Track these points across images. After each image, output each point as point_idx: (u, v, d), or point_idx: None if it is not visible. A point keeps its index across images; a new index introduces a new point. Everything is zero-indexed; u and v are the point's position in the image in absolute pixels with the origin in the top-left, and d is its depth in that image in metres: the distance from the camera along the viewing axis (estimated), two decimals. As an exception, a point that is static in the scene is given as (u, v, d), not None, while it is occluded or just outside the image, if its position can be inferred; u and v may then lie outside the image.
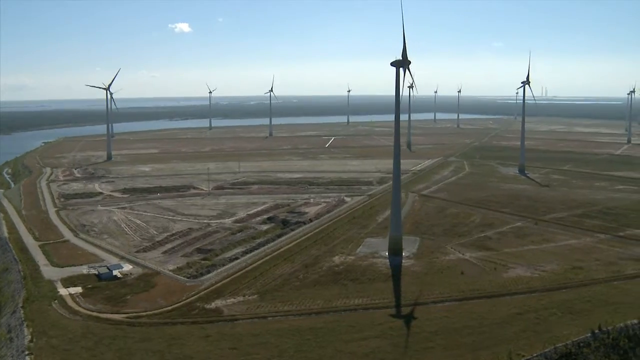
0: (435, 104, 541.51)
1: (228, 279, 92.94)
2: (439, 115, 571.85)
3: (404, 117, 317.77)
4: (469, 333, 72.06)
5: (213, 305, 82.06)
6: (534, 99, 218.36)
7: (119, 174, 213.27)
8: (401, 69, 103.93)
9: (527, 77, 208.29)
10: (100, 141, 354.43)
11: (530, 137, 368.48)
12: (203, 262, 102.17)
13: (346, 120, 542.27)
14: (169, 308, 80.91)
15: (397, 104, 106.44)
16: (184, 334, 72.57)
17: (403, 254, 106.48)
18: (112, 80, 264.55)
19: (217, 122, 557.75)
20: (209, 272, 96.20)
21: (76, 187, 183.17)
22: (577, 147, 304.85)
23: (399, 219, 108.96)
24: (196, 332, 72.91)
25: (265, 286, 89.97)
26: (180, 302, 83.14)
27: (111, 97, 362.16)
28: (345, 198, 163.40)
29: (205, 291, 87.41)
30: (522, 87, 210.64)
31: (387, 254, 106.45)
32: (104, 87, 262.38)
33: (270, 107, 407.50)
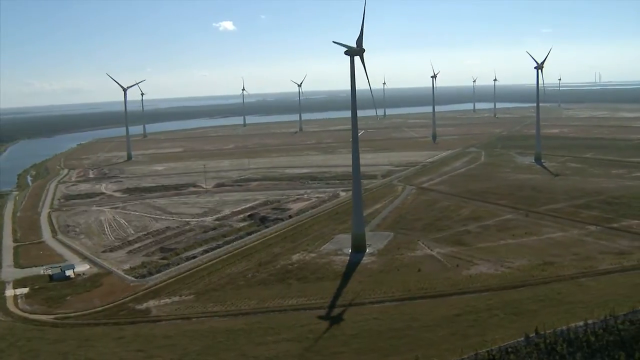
0: (475, 94, 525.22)
1: (173, 279, 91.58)
2: (484, 105, 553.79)
3: (426, 109, 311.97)
4: (391, 336, 67.34)
5: (144, 306, 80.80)
6: (544, 86, 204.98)
7: (132, 173, 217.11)
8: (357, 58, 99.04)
9: (542, 63, 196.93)
10: (132, 142, 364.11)
11: (565, 125, 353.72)
12: (161, 261, 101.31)
13: (383, 113, 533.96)
14: (100, 309, 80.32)
15: (353, 96, 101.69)
16: (99, 335, 71.59)
17: (367, 250, 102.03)
18: (133, 85, 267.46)
19: (257, 119, 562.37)
20: (159, 271, 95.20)
21: (83, 187, 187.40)
22: (611, 133, 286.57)
23: (361, 216, 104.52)
24: (113, 334, 71.74)
25: (208, 286, 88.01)
26: (114, 302, 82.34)
27: (141, 97, 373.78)
28: (340, 193, 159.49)
29: (144, 291, 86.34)
30: (537, 73, 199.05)
31: (350, 250, 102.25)
32: (124, 87, 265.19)
33: (299, 103, 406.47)
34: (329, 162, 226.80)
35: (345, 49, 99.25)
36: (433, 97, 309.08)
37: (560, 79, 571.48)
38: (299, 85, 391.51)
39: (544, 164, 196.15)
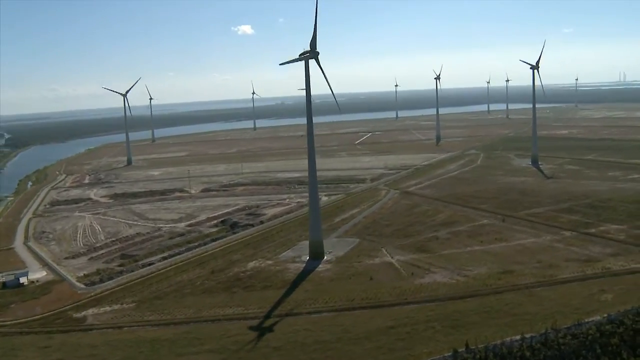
0: (489, 95, 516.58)
1: (122, 287, 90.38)
2: (501, 106, 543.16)
3: (434, 110, 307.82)
4: (315, 349, 64.78)
5: (82, 314, 79.73)
6: (542, 85, 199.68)
7: (126, 178, 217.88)
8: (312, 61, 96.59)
9: (537, 62, 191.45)
10: (138, 146, 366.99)
11: (576, 125, 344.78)
12: (117, 268, 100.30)
13: (395, 115, 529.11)
14: (38, 317, 79.37)
15: (308, 100, 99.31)
16: (27, 344, 70.71)
17: (325, 257, 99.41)
18: (131, 87, 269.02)
19: (270, 122, 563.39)
20: (111, 278, 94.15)
21: (74, 193, 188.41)
22: (620, 134, 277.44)
23: (319, 223, 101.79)
24: (40, 343, 70.80)
25: (153, 294, 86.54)
26: (55, 310, 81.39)
27: (150, 103, 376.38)
28: (323, 197, 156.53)
29: (88, 299, 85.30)
30: (532, 72, 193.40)
31: (308, 258, 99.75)
32: (122, 93, 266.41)
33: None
34: (323, 165, 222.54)
35: (300, 54, 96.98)
36: (437, 98, 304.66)
37: (577, 79, 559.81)
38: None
39: (540, 166, 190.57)
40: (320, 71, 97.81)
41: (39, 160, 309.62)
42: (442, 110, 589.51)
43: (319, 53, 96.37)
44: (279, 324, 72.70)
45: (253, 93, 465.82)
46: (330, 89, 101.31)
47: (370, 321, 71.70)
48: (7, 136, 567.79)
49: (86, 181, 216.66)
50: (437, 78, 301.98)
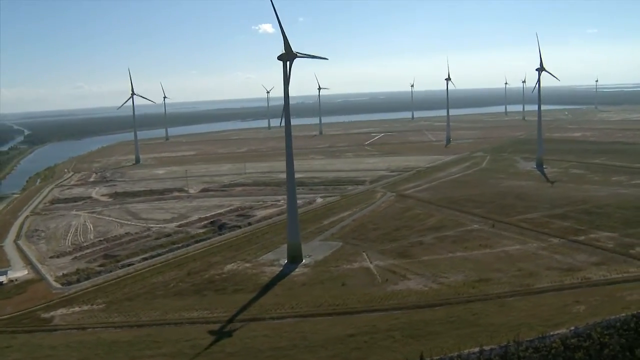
0: (506, 97, 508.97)
1: (96, 287, 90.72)
2: (517, 108, 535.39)
3: (452, 111, 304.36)
4: (268, 356, 63.91)
5: (50, 314, 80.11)
6: (536, 86, 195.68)
7: (130, 177, 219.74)
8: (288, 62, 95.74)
9: (541, 64, 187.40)
10: (151, 145, 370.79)
11: (592, 128, 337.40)
12: (97, 268, 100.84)
13: (411, 116, 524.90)
14: (7, 317, 79.95)
15: (286, 101, 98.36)
16: (-11, 344, 71.00)
17: (304, 261, 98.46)
18: (132, 86, 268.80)
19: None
20: (88, 278, 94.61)
21: (76, 191, 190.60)
22: (634, 137, 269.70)
23: (297, 225, 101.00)
24: (3, 343, 71.15)
25: (125, 295, 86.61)
26: (25, 310, 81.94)
27: (164, 101, 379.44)
28: (318, 199, 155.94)
29: (60, 299, 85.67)
30: (538, 75, 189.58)
31: (286, 261, 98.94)
32: (133, 92, 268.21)
33: (319, 106, 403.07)
34: (327, 166, 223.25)
35: (279, 54, 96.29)
36: (447, 100, 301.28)
37: (597, 81, 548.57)
38: (319, 89, 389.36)
39: (545, 169, 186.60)
40: (287, 73, 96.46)
41: (52, 158, 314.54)
42: (459, 112, 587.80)
43: (295, 56, 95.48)
44: (240, 329, 71.96)
45: (268, 92, 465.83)
46: (285, 92, 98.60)
47: (331, 328, 70.52)
48: (26, 133, 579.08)
49: (91, 179, 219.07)
50: (448, 79, 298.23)
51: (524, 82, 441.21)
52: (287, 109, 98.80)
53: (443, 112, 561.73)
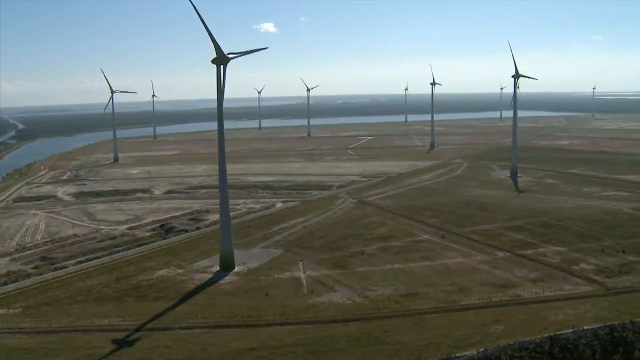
0: (502, 102, 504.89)
1: (20, 290, 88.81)
2: (521, 113, 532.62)
3: (436, 116, 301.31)
4: (159, 370, 61.83)
5: (-39, 318, 78.15)
6: (518, 94, 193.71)
7: (103, 176, 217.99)
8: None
9: (516, 71, 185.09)
10: (137, 143, 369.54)
11: (581, 136, 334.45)
12: (30, 270, 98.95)
13: (404, 120, 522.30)
14: None
15: (220, 106, 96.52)
16: None
17: (236, 269, 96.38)
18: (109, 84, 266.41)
19: (281, 122, 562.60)
20: (15, 281, 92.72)
21: (44, 190, 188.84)
22: (620, 147, 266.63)
23: (229, 232, 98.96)
24: None
25: (45, 300, 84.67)
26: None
27: (152, 99, 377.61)
28: (279, 204, 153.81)
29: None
30: (514, 82, 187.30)
31: (218, 269, 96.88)
32: (112, 89, 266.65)
33: (308, 108, 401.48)
34: (302, 170, 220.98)
35: (212, 58, 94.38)
36: (432, 104, 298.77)
37: (594, 88, 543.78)
38: (308, 91, 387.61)
39: (518, 178, 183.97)
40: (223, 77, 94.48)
41: (39, 154, 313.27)
42: (454, 116, 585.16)
43: (229, 60, 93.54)
44: (144, 338, 69.90)
45: (259, 92, 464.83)
46: (219, 96, 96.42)
47: (235, 341, 68.38)
48: (19, 127, 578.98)
49: (64, 178, 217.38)
50: (433, 83, 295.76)
51: (517, 87, 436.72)
52: (220, 114, 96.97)
53: (437, 116, 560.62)
